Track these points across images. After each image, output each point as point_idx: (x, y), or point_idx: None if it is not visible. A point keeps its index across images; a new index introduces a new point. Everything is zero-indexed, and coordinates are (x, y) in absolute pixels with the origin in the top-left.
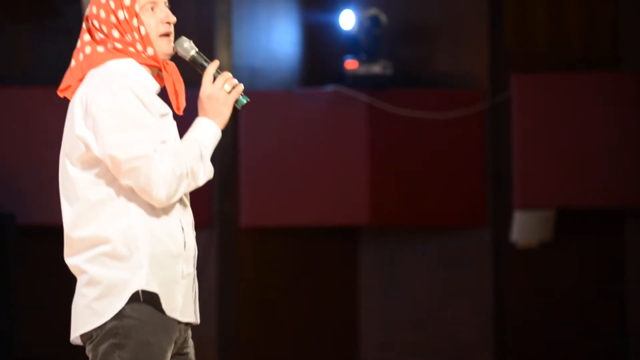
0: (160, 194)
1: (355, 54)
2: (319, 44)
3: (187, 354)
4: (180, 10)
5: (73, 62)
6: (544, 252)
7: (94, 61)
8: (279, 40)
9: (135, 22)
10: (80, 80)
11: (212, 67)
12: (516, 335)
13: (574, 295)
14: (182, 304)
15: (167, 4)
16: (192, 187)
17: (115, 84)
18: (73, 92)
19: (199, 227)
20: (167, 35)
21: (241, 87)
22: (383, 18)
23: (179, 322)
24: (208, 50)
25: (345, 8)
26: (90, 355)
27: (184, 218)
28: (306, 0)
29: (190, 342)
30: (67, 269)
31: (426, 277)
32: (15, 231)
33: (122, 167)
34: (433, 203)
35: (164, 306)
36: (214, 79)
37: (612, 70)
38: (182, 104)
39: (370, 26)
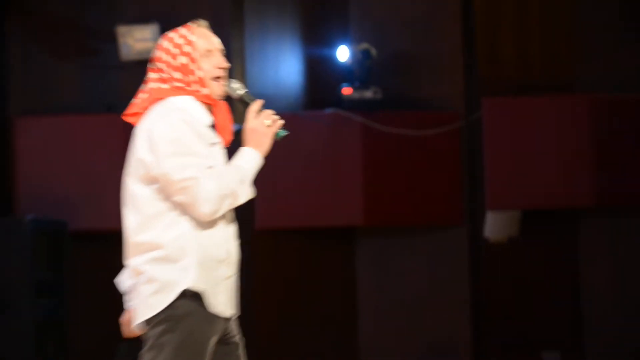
0: (204, 210)
1: (350, 82)
2: (320, 74)
3: (234, 343)
4: None
5: (141, 95)
6: (512, 247)
7: (158, 96)
8: (286, 71)
9: (193, 66)
10: (145, 109)
11: (256, 105)
12: (490, 317)
13: (537, 282)
14: (224, 301)
15: (222, 52)
16: (234, 205)
17: (174, 117)
18: (138, 120)
19: None
20: (219, 78)
21: (281, 122)
22: (373, 52)
23: (221, 317)
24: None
25: (341, 44)
26: (144, 339)
27: (229, 229)
28: (308, 38)
29: (237, 332)
30: (113, 269)
31: (413, 269)
32: (68, 236)
33: (175, 187)
34: (418, 206)
35: (208, 303)
36: (257, 115)
37: (567, 94)
38: (229, 138)
39: (362, 58)
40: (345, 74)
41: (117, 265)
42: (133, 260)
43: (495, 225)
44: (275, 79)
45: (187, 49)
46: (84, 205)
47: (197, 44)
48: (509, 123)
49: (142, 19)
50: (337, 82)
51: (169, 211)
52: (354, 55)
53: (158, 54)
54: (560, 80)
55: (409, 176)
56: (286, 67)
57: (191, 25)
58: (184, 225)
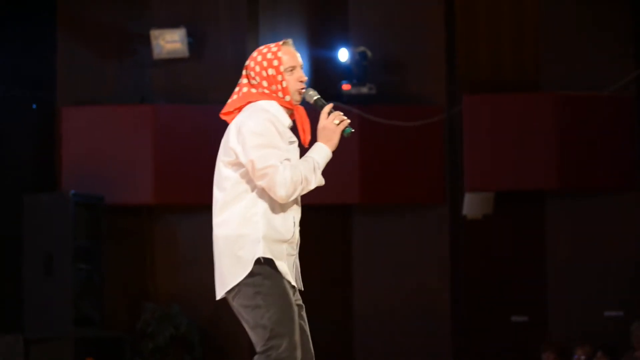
0: (281, 193)
1: (349, 79)
2: (323, 72)
3: (299, 305)
4: (222, 48)
5: (234, 96)
6: (486, 223)
7: (249, 98)
8: None
9: (279, 78)
10: (239, 110)
11: (327, 107)
12: (467, 283)
13: (508, 254)
14: (288, 272)
15: (302, 67)
16: (306, 190)
17: (261, 116)
18: (232, 118)
19: None
20: (300, 90)
21: (347, 121)
22: (369, 53)
23: (289, 283)
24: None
25: (341, 46)
26: (236, 305)
27: (296, 215)
28: (313, 41)
29: (302, 307)
30: (142, 239)
31: (402, 241)
32: (104, 209)
33: (257, 173)
34: (406, 186)
35: (278, 268)
36: (328, 115)
37: (535, 91)
38: (308, 138)
39: (359, 59)
40: (345, 72)
41: (145, 234)
42: (217, 231)
43: (472, 205)
44: None
45: (275, 63)
46: (118, 182)
47: (284, 60)
48: (485, 116)
49: (171, 24)
50: (337, 79)
51: (248, 193)
52: (352, 56)
53: (251, 63)
54: (528, 79)
55: (398, 161)
56: None
57: (280, 43)
58: (260, 206)
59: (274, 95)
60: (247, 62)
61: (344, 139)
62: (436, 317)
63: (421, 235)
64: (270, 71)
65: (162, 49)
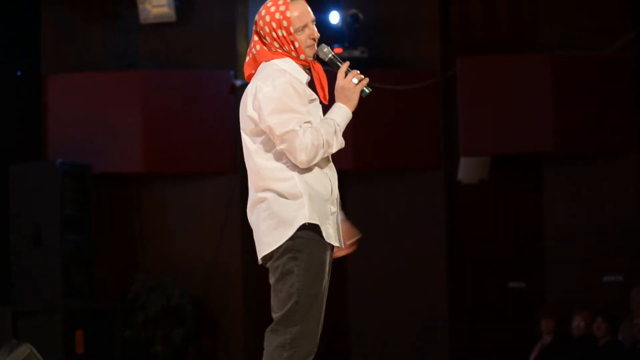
0: (302, 158)
1: (340, 43)
2: None
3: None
4: (210, 12)
5: (248, 56)
6: (482, 187)
7: (263, 58)
8: None
9: (290, 38)
10: (255, 69)
11: (344, 66)
12: (462, 248)
13: (505, 220)
14: (333, 233)
15: (314, 22)
16: (328, 153)
17: (277, 79)
18: (250, 80)
19: (224, 172)
20: (312, 45)
21: (366, 80)
22: (361, 16)
23: (330, 247)
24: (232, 41)
25: (332, 9)
26: (271, 269)
27: (330, 172)
28: None
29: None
30: (131, 207)
31: (397, 207)
32: (92, 178)
33: (277, 139)
34: (400, 152)
35: (323, 234)
36: (345, 74)
37: (531, 53)
38: (326, 95)
39: (351, 22)
40: (336, 35)
41: (134, 203)
42: (254, 196)
43: (468, 169)
44: None
45: (285, 24)
46: (106, 151)
47: (293, 19)
48: (480, 79)
49: None
50: (329, 42)
51: (278, 159)
52: (343, 19)
53: (260, 22)
54: (525, 40)
55: (392, 126)
56: None
57: None
58: (294, 168)
59: (287, 54)
60: (255, 18)
61: (362, 99)
62: (432, 285)
63: (416, 201)
64: (280, 32)
65: (149, 13)
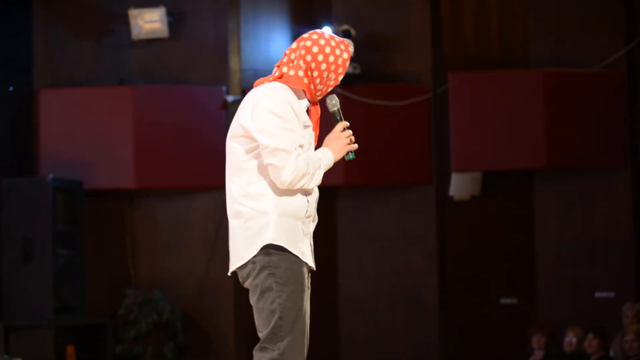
0: (285, 178)
1: None
2: None
3: (308, 288)
4: (202, 28)
5: (274, 70)
6: (474, 204)
7: (282, 80)
8: (276, 48)
9: (330, 76)
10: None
11: (344, 123)
12: (453, 264)
13: (496, 235)
14: (306, 253)
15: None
16: (306, 186)
17: (279, 95)
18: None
19: (215, 188)
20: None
21: (355, 146)
22: (353, 32)
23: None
24: (224, 57)
25: (324, 24)
26: (251, 288)
27: (311, 195)
28: (296, 20)
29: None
30: (122, 223)
31: (387, 223)
32: (83, 194)
33: (268, 153)
34: (392, 167)
35: (295, 253)
36: (341, 132)
37: (522, 68)
38: (316, 134)
39: (343, 37)
40: None
41: (126, 219)
42: (230, 210)
43: (460, 185)
44: (266, 55)
45: (340, 61)
46: (97, 167)
47: (345, 64)
48: (471, 95)
49: (150, 3)
50: None
51: (256, 173)
52: (335, 34)
53: (310, 48)
54: (517, 56)
55: (384, 141)
56: (276, 44)
57: (348, 44)
58: (268, 182)
59: (302, 83)
60: (302, 43)
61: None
62: (423, 301)
63: (407, 217)
64: (323, 66)
65: (141, 29)
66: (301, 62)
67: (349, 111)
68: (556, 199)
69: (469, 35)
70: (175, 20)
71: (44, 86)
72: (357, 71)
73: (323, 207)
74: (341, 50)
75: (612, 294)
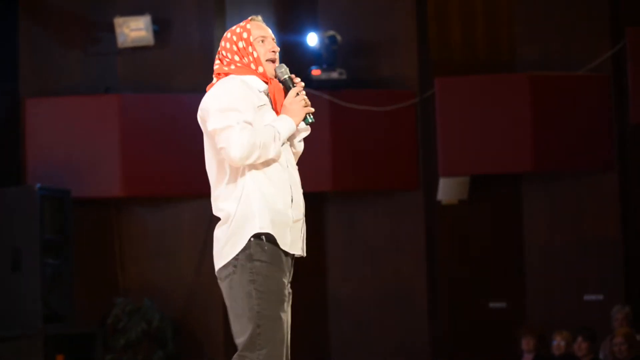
0: (235, 154)
1: (319, 64)
2: (292, 57)
3: (288, 293)
4: (188, 35)
5: (214, 72)
6: (462, 208)
7: (220, 72)
8: None
9: (250, 49)
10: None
11: (298, 87)
12: (442, 268)
13: (484, 239)
14: (292, 241)
15: (274, 40)
16: (263, 157)
17: (226, 83)
18: None
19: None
20: (272, 61)
21: (312, 109)
22: (338, 37)
23: (287, 255)
24: (209, 64)
25: (310, 31)
26: (226, 286)
27: (292, 179)
28: (282, 26)
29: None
30: (110, 231)
31: (376, 227)
32: (71, 202)
33: (217, 138)
34: (379, 172)
35: (278, 242)
36: (296, 96)
37: (508, 73)
38: (279, 111)
39: (329, 43)
40: (314, 57)
41: (114, 227)
42: (213, 205)
43: (447, 189)
44: None
45: (244, 35)
46: (85, 175)
47: (253, 31)
48: (458, 99)
49: (136, 11)
50: (307, 64)
51: (230, 169)
52: (322, 40)
53: (222, 43)
54: (503, 60)
55: (371, 147)
56: None
57: (249, 19)
58: (248, 176)
59: (247, 68)
60: (219, 49)
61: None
62: (412, 305)
63: (396, 222)
64: (241, 44)
65: (127, 37)
66: (225, 53)
67: (336, 117)
68: (544, 202)
69: (455, 40)
70: (160, 28)
71: (30, 95)
72: (344, 77)
73: (311, 212)
74: (242, 25)
75: (601, 297)
